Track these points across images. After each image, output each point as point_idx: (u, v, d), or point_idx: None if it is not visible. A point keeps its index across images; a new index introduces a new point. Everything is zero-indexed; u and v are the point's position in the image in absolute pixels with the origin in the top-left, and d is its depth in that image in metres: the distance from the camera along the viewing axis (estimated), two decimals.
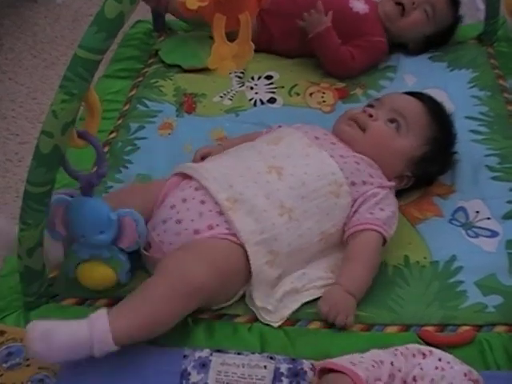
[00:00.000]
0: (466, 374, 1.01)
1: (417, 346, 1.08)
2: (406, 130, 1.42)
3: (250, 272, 1.21)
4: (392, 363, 1.01)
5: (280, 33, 1.90)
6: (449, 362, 1.03)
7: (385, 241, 1.30)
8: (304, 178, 1.29)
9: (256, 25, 1.85)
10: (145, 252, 1.26)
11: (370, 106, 1.48)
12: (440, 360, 1.04)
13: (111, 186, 1.51)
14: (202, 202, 1.25)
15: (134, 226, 1.17)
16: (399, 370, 1.01)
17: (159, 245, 1.25)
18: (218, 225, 1.23)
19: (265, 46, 1.88)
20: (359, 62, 1.86)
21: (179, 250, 1.21)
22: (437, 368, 1.02)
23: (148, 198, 1.31)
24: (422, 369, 1.01)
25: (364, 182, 1.34)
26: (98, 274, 1.22)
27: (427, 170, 1.45)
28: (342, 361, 1.02)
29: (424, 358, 1.03)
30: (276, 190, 1.27)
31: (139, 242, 1.20)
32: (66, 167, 1.13)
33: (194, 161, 1.48)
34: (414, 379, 1.00)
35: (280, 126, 1.50)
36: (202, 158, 1.46)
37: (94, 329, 1.07)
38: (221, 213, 1.24)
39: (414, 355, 1.04)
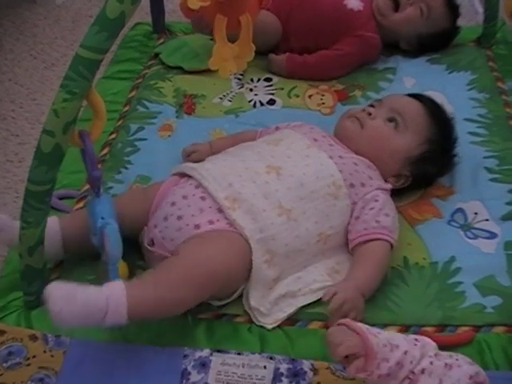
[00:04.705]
0: (471, 377, 1.01)
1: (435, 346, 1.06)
2: (405, 129, 1.42)
3: (250, 268, 1.22)
4: (405, 352, 1.00)
5: (298, 34, 1.90)
6: (458, 360, 1.03)
7: (391, 247, 1.31)
8: (303, 179, 1.30)
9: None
10: (148, 247, 1.27)
11: (371, 106, 1.48)
12: (450, 357, 1.03)
13: (111, 187, 1.51)
14: (203, 199, 1.26)
15: (107, 239, 1.14)
16: (411, 362, 1.00)
17: (161, 241, 1.25)
18: (218, 220, 1.24)
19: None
20: (345, 53, 1.87)
21: (189, 241, 1.21)
22: (446, 365, 1.01)
23: (147, 204, 1.32)
24: (431, 363, 1.01)
25: (363, 184, 1.34)
26: None
27: (425, 171, 1.45)
28: (360, 325, 1.02)
29: (436, 356, 1.03)
30: (275, 190, 1.27)
31: (111, 255, 1.16)
32: (88, 154, 1.12)
33: (183, 158, 1.54)
34: (423, 372, 1.00)
35: (277, 128, 1.51)
36: (188, 155, 1.53)
37: (112, 297, 1.07)
38: (220, 210, 1.25)
39: (429, 351, 1.03)
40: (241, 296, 1.25)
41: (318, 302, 1.25)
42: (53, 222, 1.26)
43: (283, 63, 1.87)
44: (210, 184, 1.27)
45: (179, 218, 1.24)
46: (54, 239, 1.26)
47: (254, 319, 1.22)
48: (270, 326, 1.21)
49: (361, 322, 1.15)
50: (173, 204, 1.27)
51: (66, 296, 1.04)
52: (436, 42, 1.95)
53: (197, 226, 1.23)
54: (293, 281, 1.27)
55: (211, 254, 1.17)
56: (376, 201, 1.33)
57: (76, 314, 1.04)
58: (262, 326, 1.21)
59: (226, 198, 1.25)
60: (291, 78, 1.88)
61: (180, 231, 1.23)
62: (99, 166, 1.57)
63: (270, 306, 1.23)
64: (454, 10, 1.94)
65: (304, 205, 1.28)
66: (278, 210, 1.26)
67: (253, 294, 1.22)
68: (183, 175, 1.35)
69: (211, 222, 1.23)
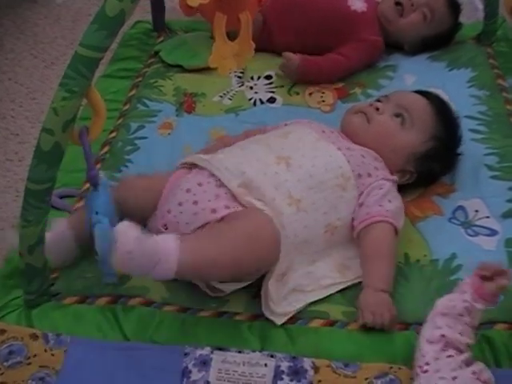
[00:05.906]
0: (474, 372, 1.02)
1: None
2: (411, 125, 1.43)
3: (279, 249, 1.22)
4: None
5: (299, 34, 1.89)
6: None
7: (396, 232, 1.31)
8: (311, 171, 1.30)
9: (260, 22, 1.87)
10: (163, 230, 1.26)
11: (378, 101, 1.49)
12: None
13: (111, 186, 1.51)
14: (218, 186, 1.27)
15: (96, 237, 1.14)
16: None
17: (176, 225, 1.25)
18: (234, 207, 1.24)
19: (265, 43, 1.89)
20: (353, 61, 1.87)
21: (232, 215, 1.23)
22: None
23: (153, 193, 1.32)
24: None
25: (369, 175, 1.35)
26: None
27: (430, 168, 1.45)
28: None
29: None
30: (284, 180, 1.28)
31: (100, 254, 1.15)
32: (86, 152, 1.12)
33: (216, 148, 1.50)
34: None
35: (286, 124, 1.51)
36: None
37: (164, 247, 1.10)
38: (235, 198, 1.25)
39: None
40: (242, 294, 1.25)
41: (321, 299, 1.26)
42: (62, 224, 1.27)
43: (297, 67, 1.82)
44: (223, 174, 1.28)
45: (195, 202, 1.25)
46: (68, 240, 1.28)
47: (263, 310, 1.21)
48: (279, 322, 1.21)
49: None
50: (188, 191, 1.27)
51: (137, 238, 1.08)
52: (439, 41, 1.96)
53: (213, 211, 1.23)
54: (302, 275, 1.27)
55: (257, 221, 1.19)
56: (381, 189, 1.34)
57: (138, 258, 1.08)
58: (264, 324, 1.21)
59: (239, 186, 1.26)
60: (301, 81, 1.85)
61: (196, 215, 1.24)
62: (98, 164, 1.57)
63: (278, 299, 1.22)
64: (455, 8, 1.94)
65: (313, 195, 1.29)
66: (288, 199, 1.26)
67: (271, 281, 1.21)
68: (193, 167, 1.34)
69: (227, 207, 1.24)
